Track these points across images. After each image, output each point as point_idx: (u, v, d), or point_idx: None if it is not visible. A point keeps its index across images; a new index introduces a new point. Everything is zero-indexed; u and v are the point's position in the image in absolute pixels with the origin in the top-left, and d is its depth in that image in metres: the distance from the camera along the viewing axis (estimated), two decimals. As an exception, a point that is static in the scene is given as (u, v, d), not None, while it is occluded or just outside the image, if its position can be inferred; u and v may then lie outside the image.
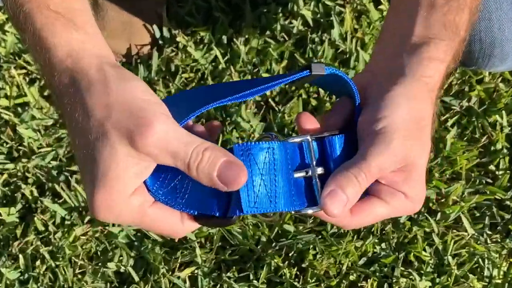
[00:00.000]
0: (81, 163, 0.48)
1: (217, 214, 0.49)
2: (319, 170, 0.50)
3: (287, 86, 1.07)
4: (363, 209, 0.51)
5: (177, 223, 0.49)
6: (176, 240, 0.98)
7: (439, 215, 1.00)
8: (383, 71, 0.53)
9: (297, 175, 0.50)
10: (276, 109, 1.06)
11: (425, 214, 1.00)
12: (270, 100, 1.06)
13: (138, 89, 0.47)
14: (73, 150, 0.49)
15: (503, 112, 1.05)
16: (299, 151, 0.51)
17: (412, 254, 0.99)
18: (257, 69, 1.08)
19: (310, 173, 0.50)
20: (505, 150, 1.05)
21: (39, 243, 0.99)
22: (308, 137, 0.51)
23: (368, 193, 0.52)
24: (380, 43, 0.57)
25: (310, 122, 0.52)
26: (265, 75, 1.06)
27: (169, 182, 0.49)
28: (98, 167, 0.45)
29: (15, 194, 1.02)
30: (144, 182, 0.48)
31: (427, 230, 1.00)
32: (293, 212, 0.55)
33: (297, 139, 0.50)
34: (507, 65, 0.80)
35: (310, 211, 0.51)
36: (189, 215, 0.49)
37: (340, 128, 0.52)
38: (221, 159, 0.46)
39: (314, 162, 0.50)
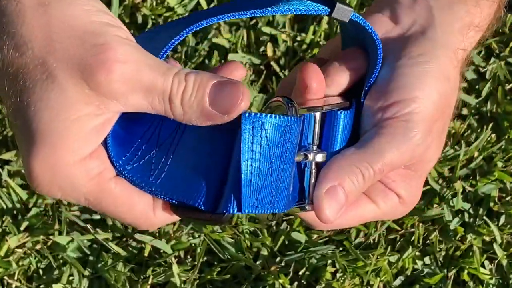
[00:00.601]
0: (15, 118, 0.41)
1: (202, 207, 0.43)
2: (320, 157, 0.46)
3: (295, 43, 0.98)
4: (348, 209, 0.46)
5: (146, 210, 0.43)
6: (143, 231, 0.90)
7: (502, 218, 0.91)
8: (404, 28, 0.48)
9: (297, 158, 0.45)
10: (281, 75, 0.95)
11: (484, 217, 0.92)
12: (272, 63, 0.95)
13: (90, 8, 0.40)
14: (4, 104, 0.43)
15: None
16: (301, 126, 0.46)
17: (466, 271, 0.90)
18: (254, 20, 0.97)
19: (310, 157, 0.46)
20: None
21: None
22: (318, 112, 0.46)
23: None
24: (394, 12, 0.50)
25: (318, 82, 0.45)
26: (265, 29, 0.97)
27: (143, 154, 0.44)
28: (40, 120, 0.39)
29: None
30: (107, 151, 0.43)
31: (487, 239, 0.92)
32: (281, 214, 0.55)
33: (306, 111, 0.46)
34: None
35: (305, 209, 0.47)
36: (164, 202, 0.44)
37: (344, 95, 0.48)
38: (210, 81, 0.40)
39: (316, 145, 0.46)
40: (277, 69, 0.96)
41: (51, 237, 0.92)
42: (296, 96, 0.46)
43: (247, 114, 0.41)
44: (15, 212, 0.95)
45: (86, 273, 0.92)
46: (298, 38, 1.01)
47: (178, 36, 0.43)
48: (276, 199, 0.43)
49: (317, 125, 0.46)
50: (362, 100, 0.47)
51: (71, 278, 0.92)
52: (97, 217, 0.95)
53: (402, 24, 0.47)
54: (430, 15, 0.47)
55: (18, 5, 0.40)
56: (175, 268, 0.89)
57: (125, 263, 0.91)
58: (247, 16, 0.43)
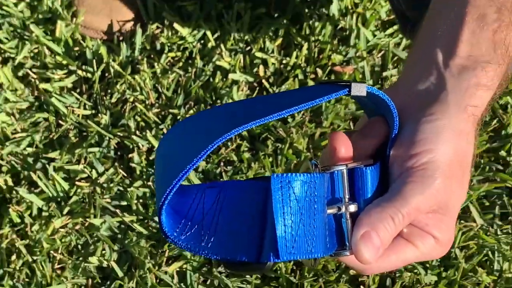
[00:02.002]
0: None
1: (245, 259, 0.45)
2: (352, 208, 0.47)
3: (281, 65, 1.06)
4: (390, 253, 0.48)
5: None
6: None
7: None
8: (420, 95, 0.49)
9: (329, 211, 0.46)
10: (271, 90, 1.03)
11: None
12: (264, 81, 1.03)
13: None
14: None
15: None
16: (330, 182, 0.48)
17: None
18: (249, 47, 1.06)
19: (342, 210, 0.47)
20: None
21: (14, 236, 0.96)
22: (344, 168, 0.47)
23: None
24: (414, 57, 0.53)
25: (345, 146, 0.47)
26: (258, 54, 1.05)
27: (193, 224, 0.46)
28: None
29: None
30: (161, 227, 0.44)
31: None
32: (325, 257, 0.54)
33: (333, 168, 0.47)
34: None
35: (346, 255, 0.47)
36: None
37: (371, 156, 0.49)
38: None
39: (347, 197, 0.47)
40: (267, 85, 1.03)
41: (87, 219, 0.98)
42: (327, 160, 0.49)
43: (275, 176, 0.43)
44: (59, 199, 1.01)
45: (116, 248, 0.98)
46: (284, 61, 1.06)
47: (206, 149, 0.43)
48: (313, 246, 0.44)
49: (345, 180, 0.47)
50: (388, 153, 0.49)
51: (103, 252, 0.98)
52: (124, 203, 1.00)
53: (419, 91, 0.49)
54: (442, 82, 0.49)
55: None
56: None
57: (147, 240, 0.97)
58: (286, 115, 0.44)
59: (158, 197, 0.45)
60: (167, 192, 0.43)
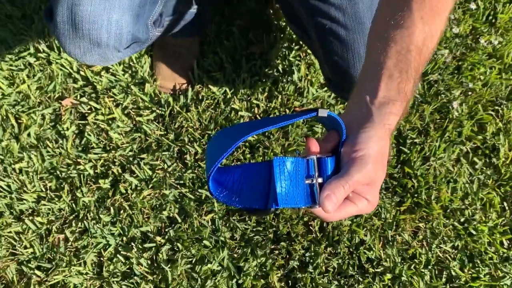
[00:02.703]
0: None
1: (258, 207, 0.45)
2: (319, 180, 0.46)
3: (267, 107, 1.05)
4: (342, 208, 0.47)
5: None
6: (186, 228, 0.95)
7: None
8: (358, 118, 0.48)
9: (307, 181, 0.46)
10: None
11: None
12: (257, 116, 1.05)
13: None
14: None
15: None
16: (306, 165, 0.46)
17: None
18: (249, 97, 1.05)
19: (314, 181, 0.46)
20: (393, 145, 1.03)
21: (122, 200, 0.99)
22: (314, 157, 0.46)
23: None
24: (354, 99, 0.50)
25: (315, 146, 0.47)
26: (254, 101, 1.04)
27: (228, 188, 0.46)
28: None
29: (108, 171, 1.01)
30: (209, 190, 0.44)
31: None
32: (303, 208, 0.51)
33: (308, 157, 0.46)
34: None
35: (316, 207, 0.46)
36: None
37: (330, 152, 0.48)
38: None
39: (317, 174, 0.46)
40: (258, 118, 1.04)
41: (162, 191, 0.98)
42: (305, 153, 0.47)
43: (275, 158, 0.43)
44: (146, 180, 0.99)
45: (177, 206, 0.97)
46: (268, 105, 1.06)
47: (232, 146, 0.42)
48: (298, 200, 0.45)
49: (315, 164, 0.46)
50: (339, 151, 0.47)
51: (170, 208, 0.96)
52: (181, 182, 0.99)
53: (357, 116, 0.48)
54: (370, 111, 0.47)
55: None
56: (215, 204, 0.96)
57: (194, 202, 0.97)
58: (278, 127, 0.44)
59: (207, 173, 0.45)
60: (212, 169, 0.43)
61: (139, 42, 0.68)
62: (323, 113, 0.45)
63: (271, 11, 1.10)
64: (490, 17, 1.15)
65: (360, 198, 0.47)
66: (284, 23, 1.11)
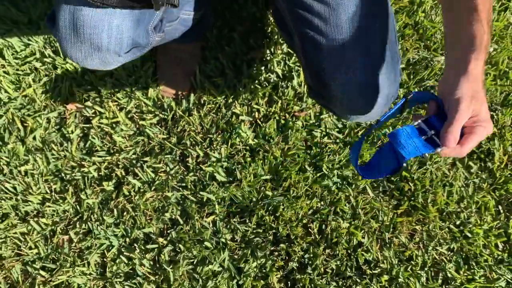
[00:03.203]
0: None
1: (394, 168, 0.58)
2: (432, 132, 0.57)
3: (267, 112, 1.05)
4: (465, 142, 0.54)
5: None
6: (187, 230, 0.95)
7: (353, 186, 1.02)
8: (452, 82, 0.56)
9: (423, 137, 0.57)
10: (262, 125, 1.04)
11: (346, 185, 1.01)
12: (258, 120, 1.05)
13: None
14: None
15: (390, 127, 1.03)
16: (418, 128, 0.57)
17: (338, 207, 1.01)
18: (250, 102, 1.05)
19: (429, 134, 0.57)
20: None
21: (125, 202, 0.99)
22: (420, 121, 0.57)
23: (464, 134, 0.55)
24: (447, 68, 0.58)
25: (419, 117, 0.57)
26: (255, 106, 1.04)
27: (372, 171, 0.60)
28: None
29: (111, 174, 1.02)
30: (356, 169, 0.58)
31: (347, 194, 1.01)
32: (427, 154, 0.65)
33: (416, 123, 0.57)
34: (360, 119, 0.73)
35: (438, 149, 0.56)
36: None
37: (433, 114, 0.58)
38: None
39: (428, 129, 0.57)
40: (260, 123, 1.03)
41: (164, 193, 0.97)
42: (414, 121, 0.57)
43: (390, 135, 0.55)
44: (149, 182, 1.00)
45: (179, 208, 0.97)
46: (268, 110, 1.03)
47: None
48: (421, 150, 0.55)
49: (425, 125, 0.57)
50: (440, 110, 0.57)
51: (172, 210, 0.96)
52: (183, 184, 0.98)
53: (453, 81, 0.55)
54: (460, 78, 0.54)
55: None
56: (217, 206, 0.96)
57: (195, 204, 0.97)
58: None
59: (355, 167, 0.60)
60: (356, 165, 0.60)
61: (140, 47, 0.68)
62: (410, 95, 0.57)
63: (271, 17, 1.11)
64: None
65: (474, 127, 0.54)
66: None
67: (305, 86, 1.05)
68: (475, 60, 0.54)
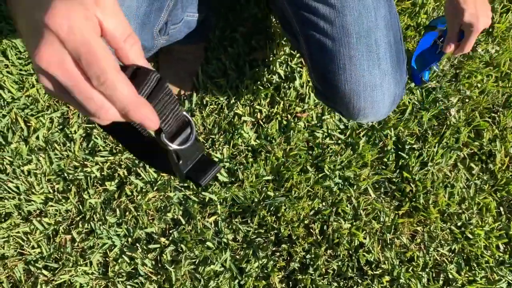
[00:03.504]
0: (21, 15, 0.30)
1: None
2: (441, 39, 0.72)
3: (269, 112, 1.04)
4: (466, 41, 0.61)
5: (113, 64, 0.29)
6: (189, 230, 0.92)
7: (354, 187, 1.02)
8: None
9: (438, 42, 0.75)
10: (264, 126, 1.04)
11: (347, 186, 1.01)
12: (260, 121, 1.05)
13: None
14: (18, 21, 0.30)
15: (392, 128, 1.06)
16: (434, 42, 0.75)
17: (340, 208, 1.01)
18: (252, 103, 1.05)
19: (439, 42, 0.72)
20: (392, 150, 1.05)
21: (127, 202, 0.99)
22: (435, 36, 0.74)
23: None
24: None
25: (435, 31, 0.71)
26: (257, 106, 1.03)
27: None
28: None
29: (114, 174, 1.01)
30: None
31: (348, 195, 1.02)
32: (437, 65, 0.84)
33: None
34: (368, 120, 0.70)
35: (447, 51, 0.69)
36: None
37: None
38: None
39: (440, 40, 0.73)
40: (262, 123, 1.02)
41: (166, 193, 0.96)
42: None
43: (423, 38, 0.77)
44: (151, 182, 0.98)
45: (181, 208, 0.97)
46: (271, 111, 1.03)
47: None
48: (435, 59, 0.75)
49: (437, 38, 0.76)
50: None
51: (174, 210, 0.96)
52: (186, 185, 0.97)
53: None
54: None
55: None
56: (219, 206, 0.95)
57: (197, 204, 0.97)
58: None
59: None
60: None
61: (145, 50, 0.67)
62: (432, 22, 0.76)
63: (273, 17, 1.11)
64: (487, 27, 1.16)
65: (470, 23, 0.60)
66: (287, 31, 1.11)
67: (310, 88, 1.06)
68: None
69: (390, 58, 0.64)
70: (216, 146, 1.03)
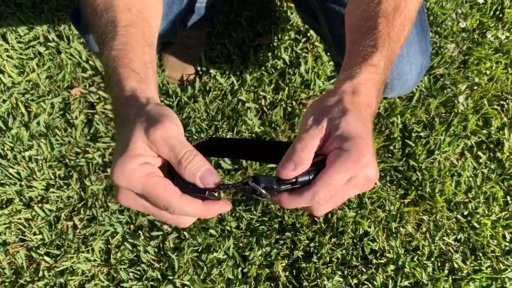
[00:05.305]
0: (116, 142, 0.40)
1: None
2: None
3: (274, 99, 1.03)
4: (316, 183, 0.37)
5: (174, 194, 0.37)
6: (172, 226, 0.85)
7: None
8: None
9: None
10: (268, 113, 1.04)
11: None
12: (264, 108, 1.04)
13: (165, 109, 0.40)
14: (116, 138, 0.43)
15: (398, 115, 1.04)
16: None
17: None
18: (257, 89, 1.04)
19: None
20: (399, 138, 1.03)
21: None
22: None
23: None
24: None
25: None
26: (261, 93, 1.03)
27: None
28: (122, 144, 0.38)
29: None
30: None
31: None
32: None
33: None
34: (394, 93, 0.68)
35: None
36: (186, 197, 0.38)
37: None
38: (205, 166, 0.38)
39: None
40: (266, 110, 1.02)
41: None
42: None
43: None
44: None
45: None
46: (275, 97, 1.02)
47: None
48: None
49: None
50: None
51: None
52: None
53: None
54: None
55: (139, 106, 0.40)
56: (222, 193, 0.85)
57: None
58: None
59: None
60: None
61: (169, 43, 0.68)
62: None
63: (279, 2, 1.09)
64: (498, 12, 1.13)
65: (335, 152, 0.36)
66: (292, 14, 1.09)
67: (315, 74, 1.05)
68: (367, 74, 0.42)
69: (414, 26, 0.61)
70: (220, 133, 1.02)
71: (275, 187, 0.37)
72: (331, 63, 1.06)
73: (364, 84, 0.41)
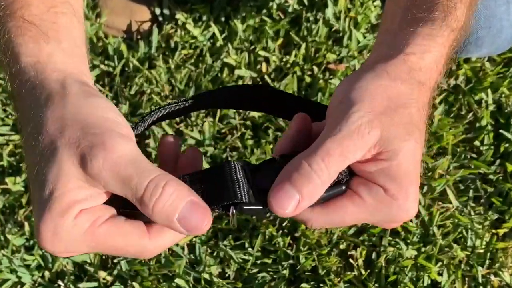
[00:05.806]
0: (30, 183, 0.37)
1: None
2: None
3: (282, 63, 0.99)
4: (330, 205, 0.36)
5: (140, 238, 0.35)
6: (147, 260, 0.86)
7: (425, 188, 0.93)
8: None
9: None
10: (272, 85, 0.99)
11: None
12: (266, 77, 0.98)
13: (98, 105, 0.36)
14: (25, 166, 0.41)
15: (489, 90, 0.98)
16: None
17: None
18: (253, 46, 1.00)
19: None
20: (489, 127, 0.97)
21: None
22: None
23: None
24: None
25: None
26: (261, 52, 1.00)
27: None
28: (43, 191, 0.34)
29: (20, 164, 0.94)
30: None
31: None
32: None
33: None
34: (482, 52, 0.72)
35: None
36: (160, 229, 0.37)
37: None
38: (184, 199, 0.34)
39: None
40: (269, 81, 1.00)
41: None
42: None
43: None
44: None
45: None
46: (284, 59, 1.03)
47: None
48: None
49: None
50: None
51: None
52: None
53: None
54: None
55: (47, 92, 0.36)
56: None
57: None
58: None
59: None
60: None
61: None
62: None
63: None
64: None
65: (368, 185, 0.36)
66: None
67: (351, 21, 1.01)
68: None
69: None
70: (192, 119, 0.98)
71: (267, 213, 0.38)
72: (377, 1, 1.04)
73: (441, 70, 0.40)
